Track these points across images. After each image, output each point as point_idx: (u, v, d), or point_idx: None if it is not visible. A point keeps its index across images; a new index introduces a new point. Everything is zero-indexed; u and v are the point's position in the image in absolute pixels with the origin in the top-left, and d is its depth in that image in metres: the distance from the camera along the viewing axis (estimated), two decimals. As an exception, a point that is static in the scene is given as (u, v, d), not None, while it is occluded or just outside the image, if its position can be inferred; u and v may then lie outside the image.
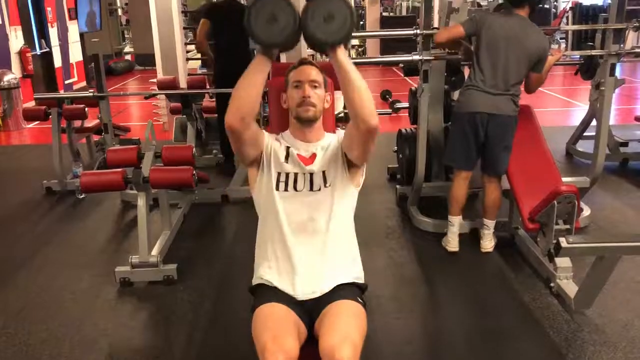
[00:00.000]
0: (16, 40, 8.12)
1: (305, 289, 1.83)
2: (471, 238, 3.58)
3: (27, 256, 3.57)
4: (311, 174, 1.87)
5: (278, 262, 1.87)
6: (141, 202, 3.21)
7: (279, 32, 1.55)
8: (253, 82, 1.68)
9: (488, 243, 3.41)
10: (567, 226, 2.86)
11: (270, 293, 1.83)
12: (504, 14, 3.16)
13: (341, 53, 1.63)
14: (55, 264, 3.46)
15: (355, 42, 12.71)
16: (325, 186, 1.88)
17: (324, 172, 1.88)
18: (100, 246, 3.75)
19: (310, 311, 1.81)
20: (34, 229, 4.07)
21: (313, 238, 1.86)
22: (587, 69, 4.51)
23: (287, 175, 1.87)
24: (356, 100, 1.67)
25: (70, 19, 10.07)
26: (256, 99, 1.71)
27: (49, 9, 9.14)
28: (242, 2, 5.28)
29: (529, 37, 3.06)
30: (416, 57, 3.54)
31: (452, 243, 3.41)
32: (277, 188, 1.87)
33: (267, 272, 1.88)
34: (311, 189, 1.87)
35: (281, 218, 1.86)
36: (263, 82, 1.70)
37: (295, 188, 1.87)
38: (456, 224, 3.41)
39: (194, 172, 3.21)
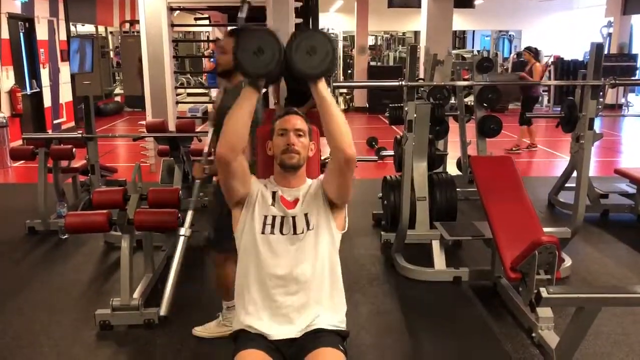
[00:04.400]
0: (7, 80, 8.18)
1: (285, 330, 1.84)
2: (454, 287, 3.59)
3: (5, 298, 3.51)
4: (294, 217, 1.91)
5: (257, 306, 1.88)
6: (125, 244, 3.20)
7: (264, 64, 1.64)
8: (241, 114, 1.80)
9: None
10: (548, 276, 2.89)
11: (250, 339, 1.83)
12: None
13: (322, 85, 1.74)
14: (35, 307, 3.41)
15: (343, 90, 12.96)
16: (308, 229, 1.90)
17: (306, 215, 1.92)
18: (81, 288, 3.70)
19: (290, 357, 1.81)
20: (13, 270, 4.01)
21: (296, 283, 1.87)
22: (568, 122, 4.62)
23: (274, 217, 1.91)
24: (335, 129, 1.78)
25: (63, 60, 10.19)
26: (243, 129, 1.81)
27: (41, 50, 9.27)
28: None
29: None
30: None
31: None
32: (263, 231, 1.90)
33: (247, 317, 1.89)
34: (294, 232, 1.90)
35: (263, 262, 1.88)
36: (250, 114, 1.81)
37: (281, 231, 1.90)
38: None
39: (179, 215, 3.22)
